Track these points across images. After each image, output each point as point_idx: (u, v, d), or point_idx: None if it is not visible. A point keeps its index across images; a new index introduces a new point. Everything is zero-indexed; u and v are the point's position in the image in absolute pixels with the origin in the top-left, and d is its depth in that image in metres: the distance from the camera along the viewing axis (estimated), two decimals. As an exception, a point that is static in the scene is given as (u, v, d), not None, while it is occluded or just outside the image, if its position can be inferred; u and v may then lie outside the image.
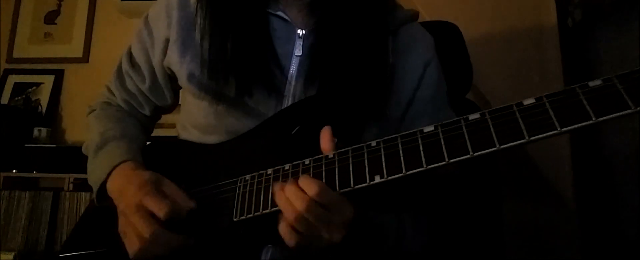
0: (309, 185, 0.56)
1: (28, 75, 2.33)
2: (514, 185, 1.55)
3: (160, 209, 0.63)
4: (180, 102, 0.90)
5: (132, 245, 0.65)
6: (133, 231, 0.65)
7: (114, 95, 0.90)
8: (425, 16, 1.67)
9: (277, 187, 0.60)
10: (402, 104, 0.79)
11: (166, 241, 0.64)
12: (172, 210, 0.64)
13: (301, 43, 0.76)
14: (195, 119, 0.80)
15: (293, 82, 0.75)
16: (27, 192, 1.88)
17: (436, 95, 0.81)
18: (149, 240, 0.63)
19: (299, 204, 0.56)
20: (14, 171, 1.98)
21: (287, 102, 0.75)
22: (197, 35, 0.77)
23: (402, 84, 0.79)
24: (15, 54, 2.37)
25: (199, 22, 0.77)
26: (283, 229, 0.58)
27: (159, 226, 0.64)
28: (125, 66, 0.87)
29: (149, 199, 0.65)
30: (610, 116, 0.43)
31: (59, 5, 2.39)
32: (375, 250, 0.68)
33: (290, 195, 0.57)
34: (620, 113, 0.43)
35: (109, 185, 0.74)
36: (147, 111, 0.90)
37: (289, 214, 0.57)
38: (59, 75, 2.32)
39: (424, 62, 0.81)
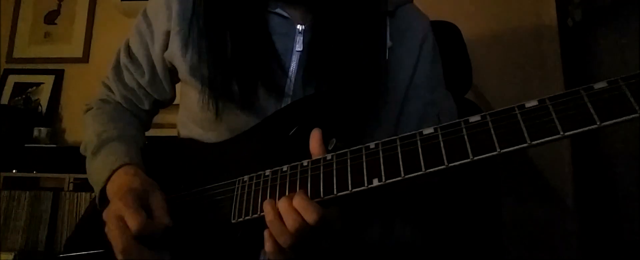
0: (309, 212, 0.54)
1: (28, 75, 2.32)
2: (513, 185, 1.55)
3: (132, 223, 0.62)
4: (179, 99, 0.89)
5: (116, 255, 0.64)
6: (111, 241, 0.64)
7: (111, 91, 0.89)
8: (425, 16, 1.67)
9: (266, 204, 0.59)
10: (402, 87, 0.79)
11: (138, 256, 0.63)
12: (144, 226, 0.62)
13: (301, 38, 0.76)
14: (195, 115, 0.79)
15: (293, 78, 0.75)
16: (27, 192, 1.88)
17: (431, 75, 0.81)
18: (122, 252, 0.62)
19: (291, 224, 0.55)
20: (14, 171, 1.97)
21: (288, 98, 0.74)
22: (198, 29, 0.76)
23: (400, 67, 0.79)
24: (15, 54, 2.37)
25: (197, 21, 0.77)
26: (270, 246, 0.57)
27: (131, 239, 0.62)
28: (124, 60, 0.86)
29: (125, 210, 0.63)
30: (616, 120, 0.41)
31: (59, 5, 2.38)
32: (358, 247, 0.68)
33: (283, 212, 0.56)
34: (626, 117, 0.41)
35: (108, 189, 0.73)
36: (146, 106, 0.89)
37: (276, 232, 0.56)
38: (59, 75, 2.32)
39: (419, 43, 0.81)
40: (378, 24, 0.77)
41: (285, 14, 0.76)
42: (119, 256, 0.63)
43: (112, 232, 0.64)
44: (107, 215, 0.67)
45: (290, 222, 0.55)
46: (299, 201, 0.56)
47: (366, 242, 0.71)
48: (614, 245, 1.43)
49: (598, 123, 0.42)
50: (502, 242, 1.08)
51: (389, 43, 0.77)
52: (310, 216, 0.54)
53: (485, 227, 1.02)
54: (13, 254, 1.79)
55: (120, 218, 0.63)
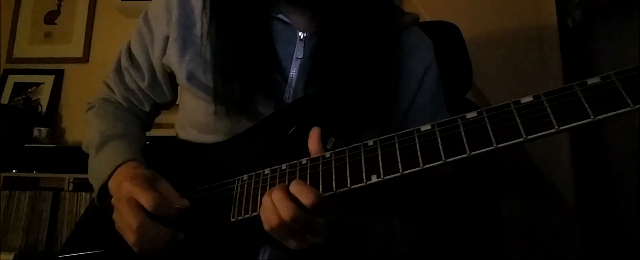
0: (305, 194, 0.54)
1: (28, 75, 2.33)
2: (514, 185, 1.55)
3: (147, 200, 0.63)
4: (178, 101, 0.90)
5: (128, 239, 0.65)
6: (125, 223, 0.65)
7: (113, 91, 0.89)
8: (425, 16, 1.67)
9: (266, 193, 0.59)
10: (403, 108, 0.79)
11: (155, 233, 0.64)
12: (160, 202, 0.64)
13: (302, 46, 0.76)
14: (193, 118, 0.80)
15: (293, 85, 0.75)
16: (27, 192, 1.88)
17: (434, 100, 0.82)
18: (137, 231, 0.63)
19: (286, 213, 0.54)
20: (14, 171, 1.97)
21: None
22: (198, 35, 0.77)
23: (403, 88, 0.79)
24: (15, 54, 2.38)
25: (201, 26, 0.77)
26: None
27: (146, 217, 0.64)
28: (125, 63, 0.86)
29: (138, 190, 0.65)
30: (609, 114, 0.42)
31: (59, 5, 2.39)
32: (360, 251, 0.68)
33: (278, 202, 0.56)
34: (619, 111, 0.41)
35: (110, 184, 0.73)
36: (146, 107, 0.90)
37: (273, 220, 0.56)
38: (59, 75, 2.32)
39: (424, 66, 0.81)
40: (382, 35, 0.77)
41: (287, 20, 0.76)
42: (133, 236, 0.64)
43: (124, 213, 0.65)
44: (116, 199, 0.68)
45: (285, 211, 0.54)
46: (295, 186, 0.55)
47: (368, 244, 0.71)
48: (614, 245, 1.43)
49: (592, 117, 0.42)
50: (502, 242, 1.08)
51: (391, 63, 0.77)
52: (307, 197, 0.54)
53: (485, 227, 1.02)
54: (13, 254, 1.79)
55: (132, 199, 0.65)
